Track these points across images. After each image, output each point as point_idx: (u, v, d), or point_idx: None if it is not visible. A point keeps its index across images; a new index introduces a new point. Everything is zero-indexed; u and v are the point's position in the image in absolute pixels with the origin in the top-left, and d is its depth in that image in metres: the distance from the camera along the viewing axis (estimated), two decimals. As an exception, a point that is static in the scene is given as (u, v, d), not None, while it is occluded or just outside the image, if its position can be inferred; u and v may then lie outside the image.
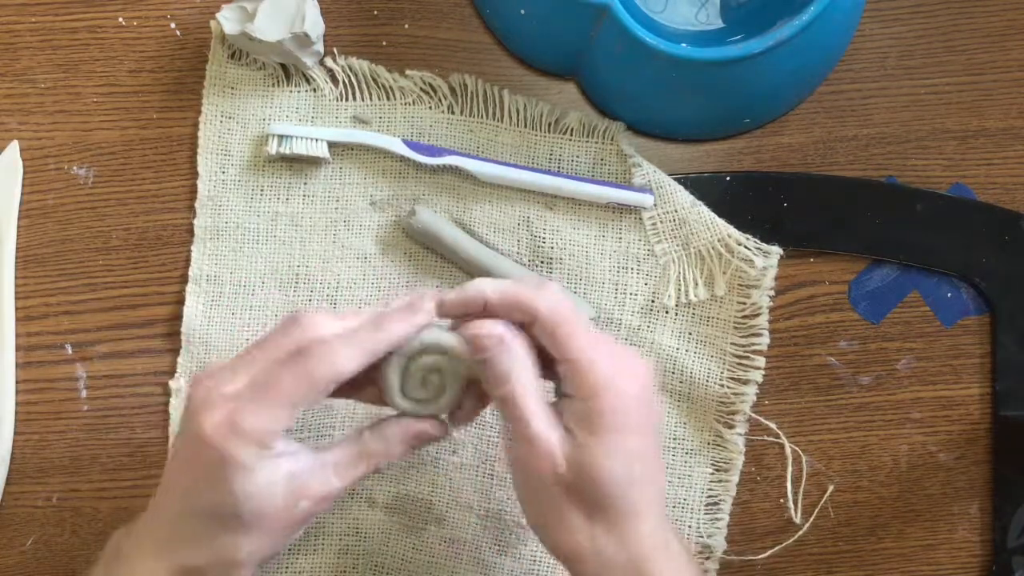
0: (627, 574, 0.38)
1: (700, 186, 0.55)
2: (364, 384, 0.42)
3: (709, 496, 0.55)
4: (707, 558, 0.55)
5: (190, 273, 0.55)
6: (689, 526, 0.55)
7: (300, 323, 0.39)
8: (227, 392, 0.38)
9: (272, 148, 0.54)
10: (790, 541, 0.55)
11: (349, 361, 0.38)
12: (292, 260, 0.56)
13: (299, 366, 0.38)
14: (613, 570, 0.38)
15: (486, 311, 0.40)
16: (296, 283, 0.56)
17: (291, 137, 0.54)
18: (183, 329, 0.55)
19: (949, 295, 0.56)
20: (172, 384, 0.55)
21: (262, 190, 0.56)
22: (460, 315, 0.41)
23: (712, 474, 0.55)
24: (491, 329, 0.39)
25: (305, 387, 0.38)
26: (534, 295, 0.40)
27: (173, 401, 0.55)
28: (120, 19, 0.57)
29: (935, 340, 0.56)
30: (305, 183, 0.56)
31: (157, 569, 0.39)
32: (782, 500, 0.56)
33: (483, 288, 0.40)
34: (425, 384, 0.42)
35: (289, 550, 0.54)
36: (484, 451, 0.55)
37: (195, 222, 0.56)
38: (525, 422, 0.39)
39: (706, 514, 0.55)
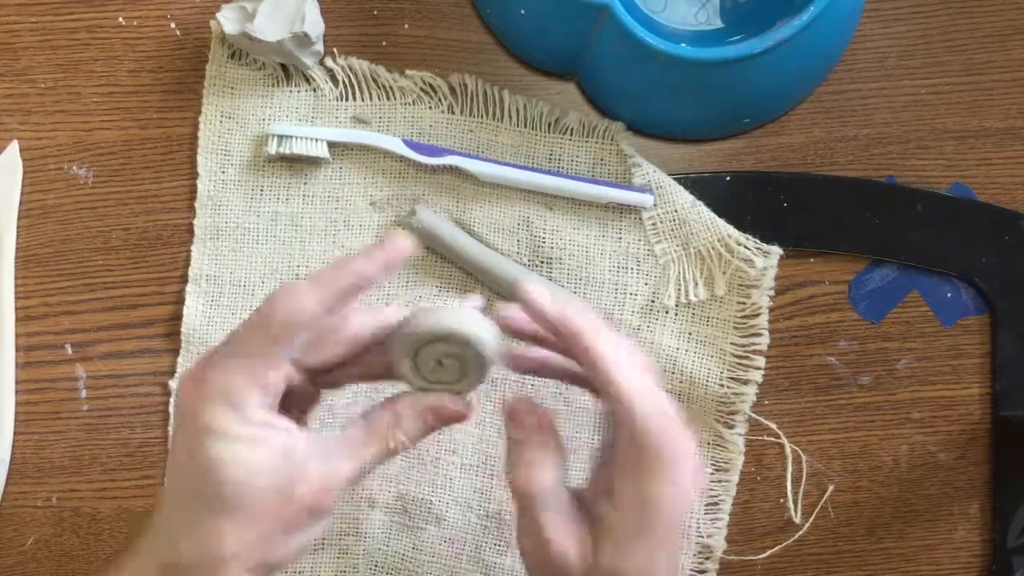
0: None
1: (700, 186, 0.55)
2: (373, 369, 0.40)
3: (709, 496, 0.55)
4: (707, 558, 0.55)
5: (190, 273, 0.55)
6: (689, 526, 0.55)
7: (276, 290, 0.36)
8: (203, 358, 0.36)
9: (272, 148, 0.54)
10: (790, 541, 0.55)
11: (310, 299, 0.35)
12: (292, 260, 0.56)
13: (262, 316, 0.35)
14: None
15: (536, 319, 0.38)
16: (296, 283, 0.55)
17: (291, 137, 0.54)
18: (183, 329, 0.55)
19: (949, 295, 0.56)
20: (172, 384, 0.55)
21: (262, 190, 0.56)
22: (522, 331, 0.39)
23: (712, 474, 0.55)
24: (528, 409, 0.38)
25: (267, 331, 0.35)
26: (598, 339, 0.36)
27: (173, 401, 0.55)
28: (120, 19, 0.57)
29: (935, 340, 0.56)
30: (305, 183, 0.56)
31: (144, 567, 0.35)
32: (782, 500, 0.56)
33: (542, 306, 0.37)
34: (442, 366, 0.37)
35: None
36: (484, 451, 0.55)
37: (195, 222, 0.56)
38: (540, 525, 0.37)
39: (706, 514, 0.55)
